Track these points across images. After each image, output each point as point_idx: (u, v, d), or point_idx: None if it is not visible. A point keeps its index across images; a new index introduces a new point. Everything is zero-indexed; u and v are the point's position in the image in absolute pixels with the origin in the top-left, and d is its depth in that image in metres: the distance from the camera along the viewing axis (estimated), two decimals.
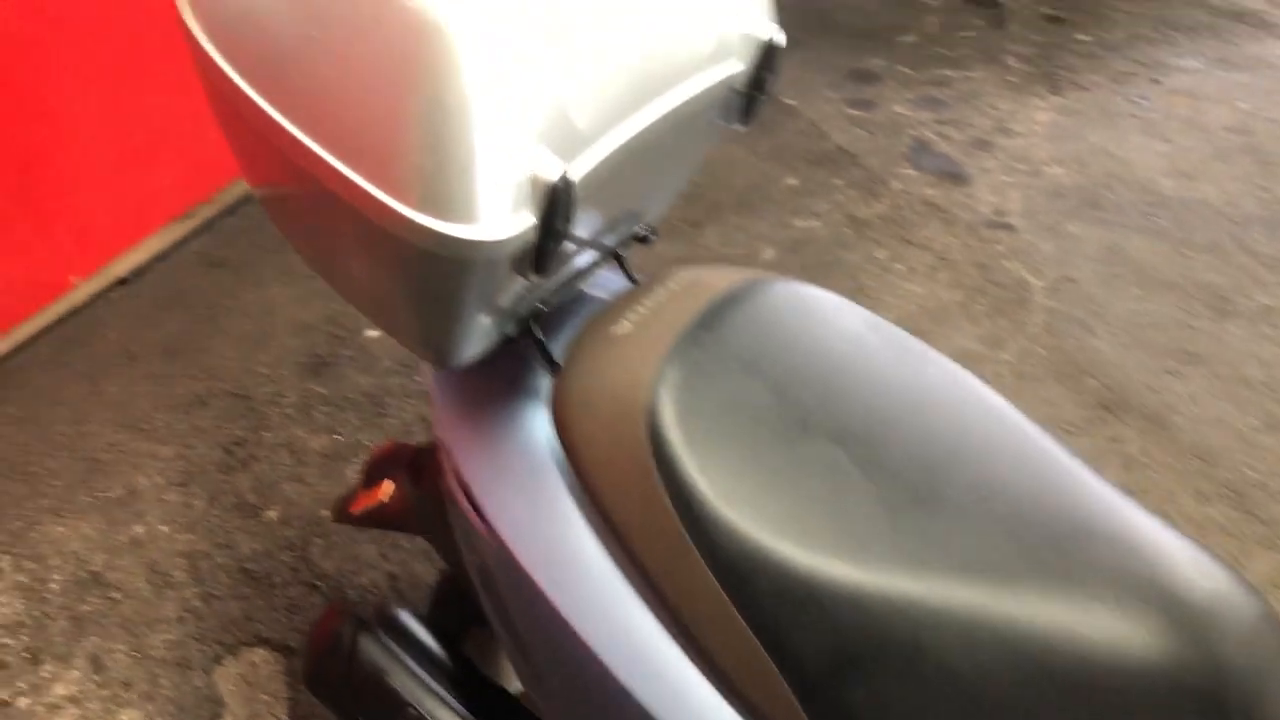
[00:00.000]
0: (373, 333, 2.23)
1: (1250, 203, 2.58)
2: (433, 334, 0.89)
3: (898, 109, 2.97)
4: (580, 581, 0.89)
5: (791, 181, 2.69)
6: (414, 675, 1.15)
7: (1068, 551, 0.76)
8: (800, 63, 3.14)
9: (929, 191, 2.66)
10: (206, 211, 2.53)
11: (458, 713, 1.13)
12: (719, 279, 0.97)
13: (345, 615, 1.18)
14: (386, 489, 1.24)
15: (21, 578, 1.78)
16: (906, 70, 3.15)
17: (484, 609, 1.05)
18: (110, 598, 1.76)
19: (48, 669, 1.66)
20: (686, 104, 0.89)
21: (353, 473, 1.97)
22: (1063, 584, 0.74)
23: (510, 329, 0.96)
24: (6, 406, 2.09)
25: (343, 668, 1.15)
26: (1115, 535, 0.77)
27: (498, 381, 1.00)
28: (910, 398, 0.88)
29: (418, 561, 1.82)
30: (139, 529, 1.86)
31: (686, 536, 0.81)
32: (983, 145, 2.82)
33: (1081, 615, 0.73)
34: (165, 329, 2.26)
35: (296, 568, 1.81)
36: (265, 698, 1.63)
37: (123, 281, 2.38)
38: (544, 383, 0.99)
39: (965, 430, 0.86)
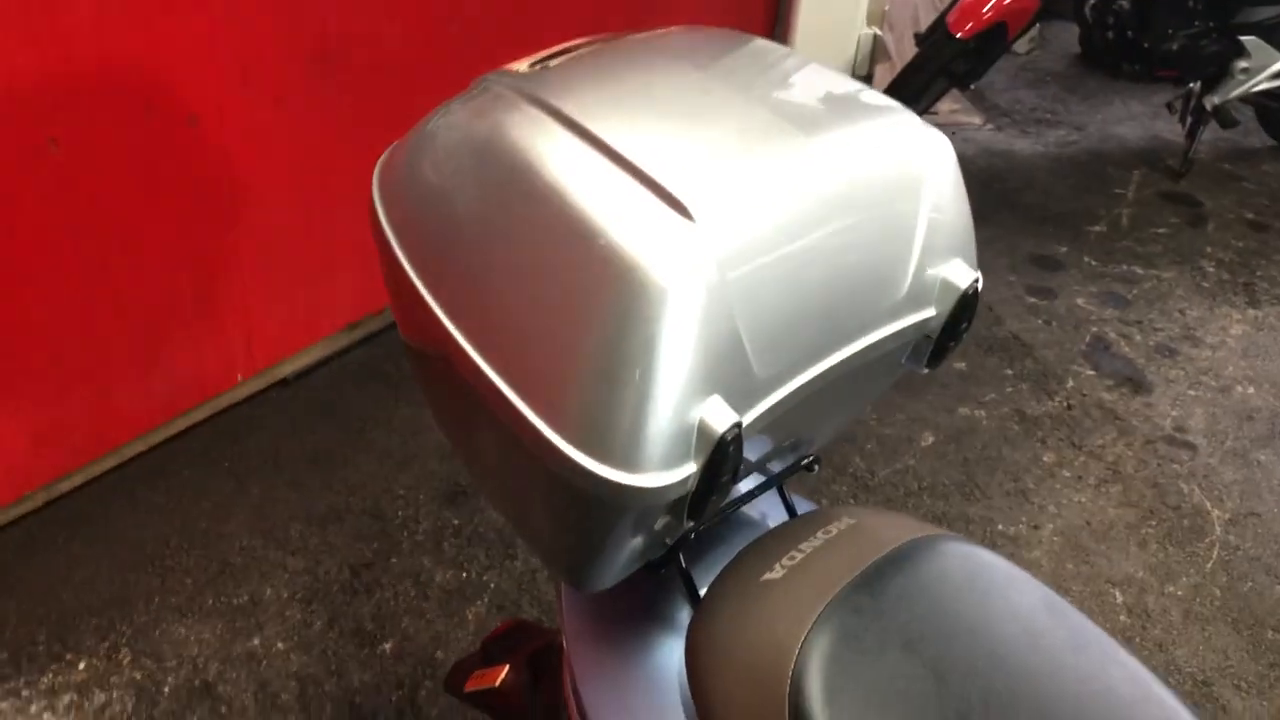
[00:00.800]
0: None
1: None
2: (572, 559, 0.84)
3: (1080, 302, 2.86)
4: None
5: (959, 365, 2.59)
6: None
7: None
8: (980, 241, 3.05)
9: (1106, 395, 2.52)
10: (374, 324, 2.59)
11: None
12: (885, 530, 0.90)
13: None
14: (502, 674, 1.19)
15: (138, 675, 1.79)
16: (1092, 262, 3.04)
17: None
18: (218, 711, 1.74)
19: None
20: (872, 349, 0.84)
21: (475, 613, 1.93)
22: None
23: (654, 556, 0.91)
24: (155, 494, 2.14)
25: None
26: None
27: (633, 604, 0.95)
28: (1085, 700, 0.79)
29: None
30: (256, 641, 1.85)
31: None
32: (1168, 352, 2.68)
33: None
34: (315, 437, 2.29)
35: (402, 710, 1.77)
36: None
37: (284, 383, 2.43)
38: (683, 613, 0.93)
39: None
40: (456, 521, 2.10)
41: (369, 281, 2.48)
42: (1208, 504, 2.23)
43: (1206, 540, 2.14)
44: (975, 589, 0.86)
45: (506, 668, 1.19)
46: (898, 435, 2.36)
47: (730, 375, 0.72)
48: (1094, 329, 2.76)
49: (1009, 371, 2.59)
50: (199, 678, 1.79)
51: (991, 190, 3.38)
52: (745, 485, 0.96)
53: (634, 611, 0.94)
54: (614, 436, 0.69)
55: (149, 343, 2.11)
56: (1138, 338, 2.73)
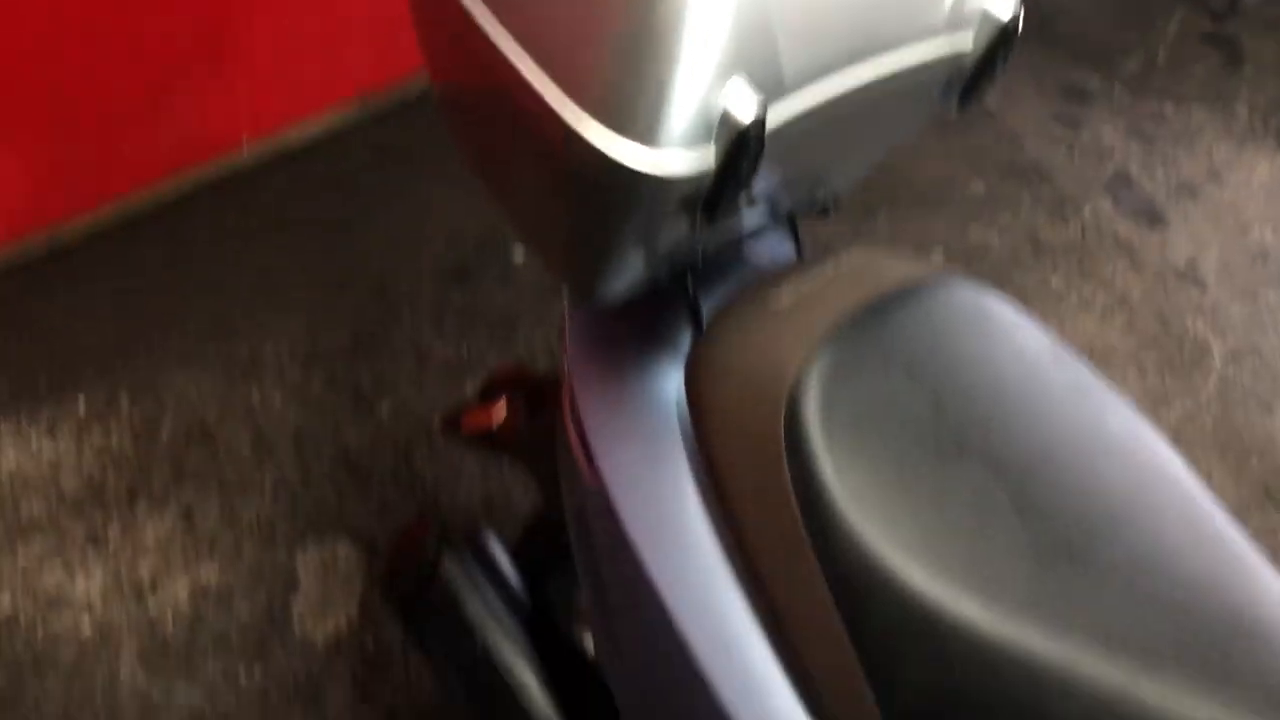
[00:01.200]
0: (519, 255, 2.20)
1: None
2: (580, 262, 0.83)
3: (1106, 135, 2.79)
4: (680, 554, 0.83)
5: (978, 188, 2.55)
6: (489, 607, 1.11)
7: (1231, 651, 0.66)
8: (1010, 67, 2.96)
9: (1122, 228, 2.49)
10: (386, 100, 2.52)
11: (525, 655, 1.09)
12: (897, 268, 0.88)
13: (433, 529, 1.15)
14: (499, 411, 1.19)
15: (137, 418, 1.81)
16: (1123, 97, 2.95)
17: (573, 557, 1.00)
18: (215, 456, 1.77)
19: (142, 510, 1.69)
20: (904, 72, 0.81)
21: (470, 388, 1.94)
22: (1217, 685, 0.65)
23: (661, 275, 0.89)
24: (159, 249, 2.12)
25: (420, 581, 1.12)
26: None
27: (637, 329, 0.94)
28: (1083, 442, 0.79)
29: (517, 490, 1.78)
30: (255, 395, 1.87)
31: (807, 538, 0.73)
32: (1189, 190, 2.63)
33: None
34: (322, 209, 2.26)
35: (397, 469, 1.79)
36: (340, 588, 1.62)
37: (291, 157, 2.39)
38: (686, 340, 0.92)
39: (1138, 490, 0.76)
40: (460, 300, 2.10)
41: (383, 54, 2.41)
42: (1210, 338, 2.22)
43: (1205, 372, 2.15)
44: (984, 328, 0.85)
45: (503, 406, 1.20)
46: (907, 252, 2.33)
47: (757, 58, 0.69)
48: (1117, 162, 2.70)
49: (1027, 197, 2.54)
50: (197, 423, 1.82)
51: (1030, 19, 3.27)
52: (757, 219, 0.94)
53: (637, 336, 0.94)
54: (635, 107, 0.66)
55: (153, 90, 2.06)
56: (1160, 174, 2.67)
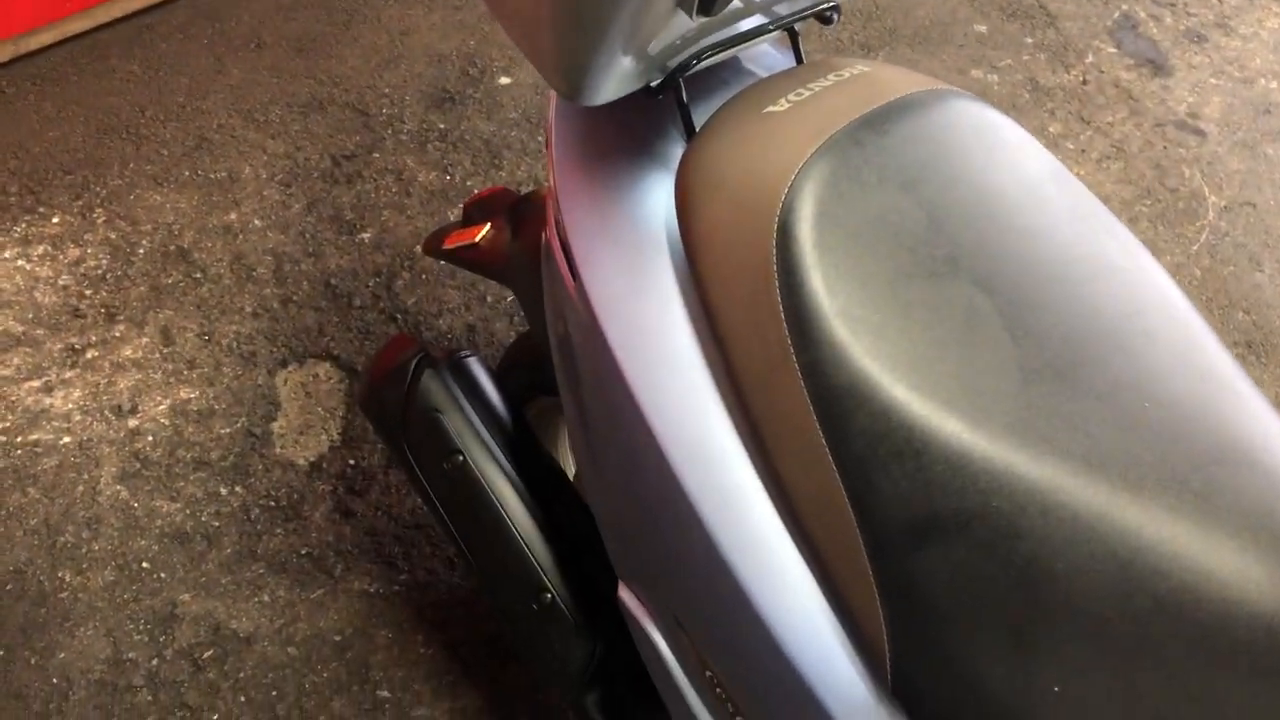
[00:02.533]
0: (505, 79, 2.13)
1: None
2: (574, 59, 0.79)
3: None
4: (663, 369, 0.81)
5: (980, 28, 2.47)
6: (469, 422, 1.10)
7: (1213, 474, 0.66)
8: None
9: (1124, 74, 2.42)
10: None
11: (504, 470, 1.08)
12: (899, 80, 0.85)
13: (414, 346, 1.13)
14: (482, 230, 1.16)
15: (113, 235, 1.77)
16: None
17: (555, 375, 0.98)
18: (193, 276, 1.74)
19: (120, 329, 1.67)
20: None
21: (455, 214, 1.90)
22: (1197, 508, 0.64)
23: (654, 78, 0.85)
24: (130, 64, 2.05)
25: (400, 395, 1.11)
26: (1274, 471, 0.67)
27: (626, 137, 0.90)
28: (1080, 265, 0.77)
29: (499, 319, 1.77)
30: (233, 216, 1.83)
31: (792, 350, 0.72)
32: (1196, 38, 2.56)
33: (1209, 546, 0.63)
34: (299, 24, 2.18)
35: (379, 295, 1.77)
36: (321, 411, 1.62)
37: None
38: (676, 147, 0.89)
39: (1131, 314, 0.75)
40: (443, 126, 2.04)
41: None
42: (1206, 189, 2.19)
43: (1198, 224, 2.12)
44: (984, 144, 0.82)
45: (488, 225, 1.17)
46: None
47: None
48: (1124, 6, 2.61)
49: (1029, 40, 2.47)
50: (174, 243, 1.78)
51: None
52: (755, 23, 0.89)
53: (625, 145, 0.90)
54: None
55: None
56: (1168, 20, 2.60)
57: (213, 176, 1.88)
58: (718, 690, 0.84)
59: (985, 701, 0.68)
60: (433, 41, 2.17)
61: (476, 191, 1.28)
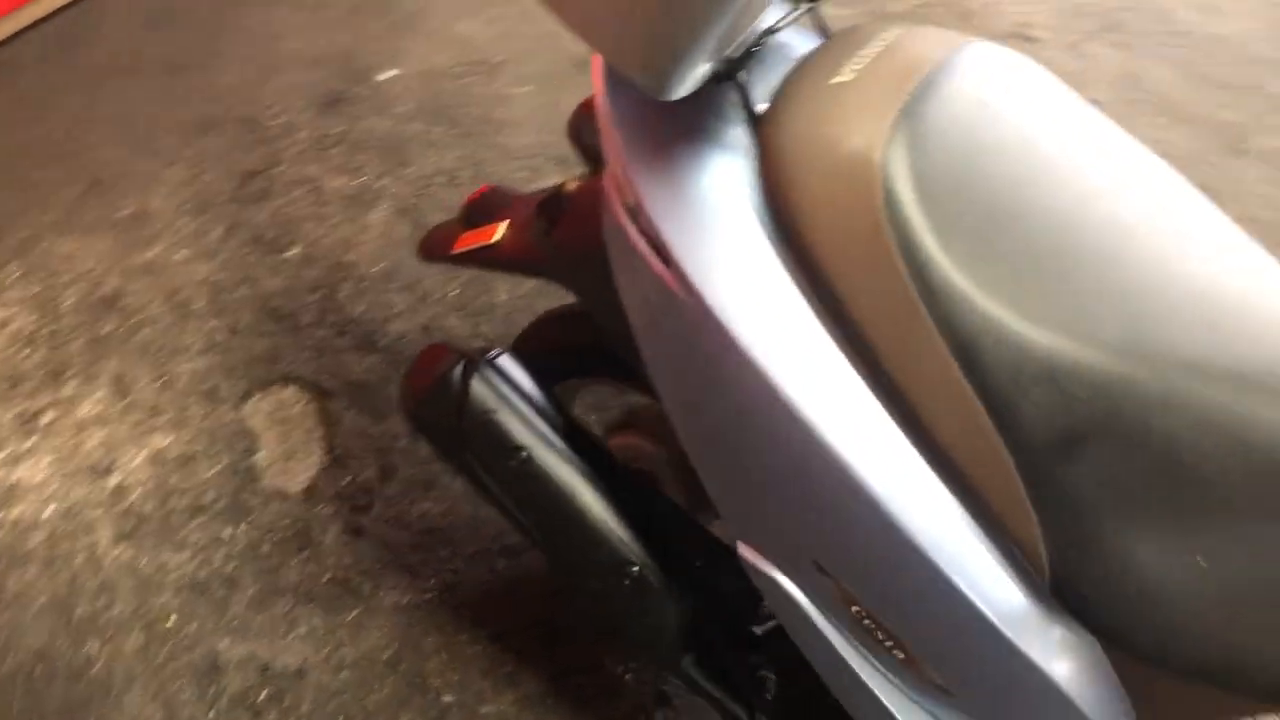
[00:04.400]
0: (388, 73, 2.11)
1: (1266, 45, 2.59)
2: (669, 56, 0.83)
3: None
4: (781, 336, 0.87)
5: None
6: (523, 418, 1.13)
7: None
8: None
9: None
10: None
11: (567, 458, 1.12)
12: (939, 40, 0.93)
13: (451, 353, 1.15)
14: (498, 229, 1.19)
15: (35, 289, 1.69)
16: None
17: (635, 357, 1.02)
18: (129, 321, 1.68)
19: (70, 387, 1.60)
20: None
21: (378, 216, 1.89)
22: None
23: (720, 62, 0.90)
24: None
25: (451, 405, 1.13)
26: None
27: (689, 123, 0.95)
28: (1131, 189, 0.87)
29: (449, 315, 1.78)
30: (152, 253, 1.77)
31: (920, 303, 0.79)
32: None
33: None
34: (164, 43, 2.09)
35: (324, 309, 1.75)
36: (299, 434, 1.61)
37: None
38: (739, 133, 0.94)
39: (1190, 224, 0.86)
40: (339, 129, 2.01)
41: None
42: None
43: None
44: (1025, 90, 0.91)
45: (503, 223, 1.20)
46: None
47: None
48: None
49: None
50: (100, 290, 1.71)
51: None
52: (783, 9, 0.95)
53: (690, 127, 0.95)
54: None
55: None
56: None
57: (119, 215, 1.81)
58: (866, 623, 0.92)
59: (1141, 582, 0.78)
60: (305, 44, 2.13)
61: (470, 194, 1.29)
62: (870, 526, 0.85)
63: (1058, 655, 0.84)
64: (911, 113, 0.84)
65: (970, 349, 0.80)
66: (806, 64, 0.92)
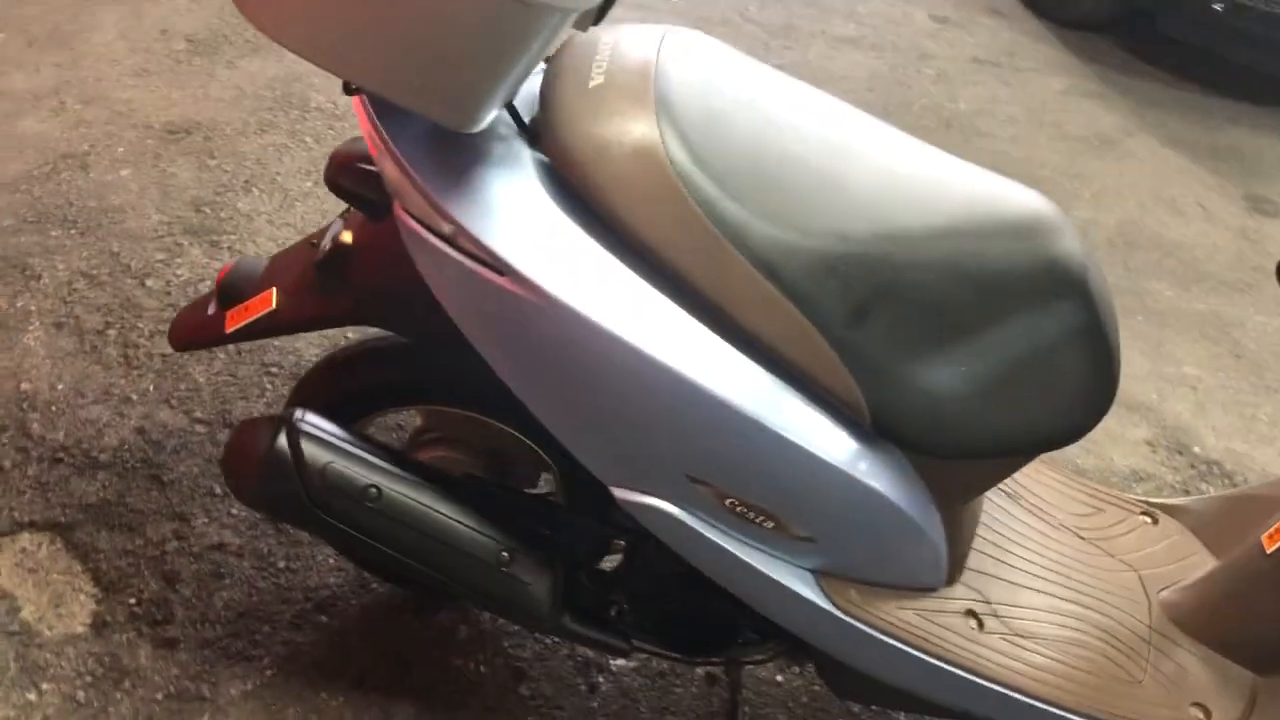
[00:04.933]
0: None
1: None
2: (477, 94, 0.95)
3: None
4: (613, 295, 1.02)
5: None
6: (359, 459, 1.20)
7: (972, 212, 1.07)
8: None
9: None
10: None
11: (410, 481, 1.20)
12: (649, 35, 1.12)
13: (268, 426, 1.18)
14: (272, 296, 1.24)
15: None
16: None
17: (467, 367, 1.12)
18: None
19: None
20: None
21: (34, 339, 1.79)
22: (978, 231, 1.05)
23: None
24: None
25: (290, 470, 1.17)
26: (985, 193, 1.10)
27: (480, 148, 1.07)
28: (833, 121, 1.13)
29: (160, 410, 1.74)
30: None
31: (722, 238, 1.00)
32: None
33: (989, 245, 1.05)
34: None
35: (24, 446, 1.65)
36: (58, 576, 1.52)
37: None
38: (518, 144, 1.08)
39: (881, 136, 1.14)
40: None
41: None
42: None
43: None
44: (719, 59, 1.14)
45: (274, 290, 1.23)
46: None
47: None
48: None
49: None
50: None
51: None
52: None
53: (479, 153, 1.06)
54: None
55: None
56: None
57: None
58: (740, 511, 1.11)
59: (930, 398, 1.05)
60: None
61: (218, 274, 1.30)
62: (724, 423, 1.06)
63: (881, 472, 1.09)
64: (662, 100, 1.04)
65: (767, 262, 1.02)
66: (556, 74, 1.07)
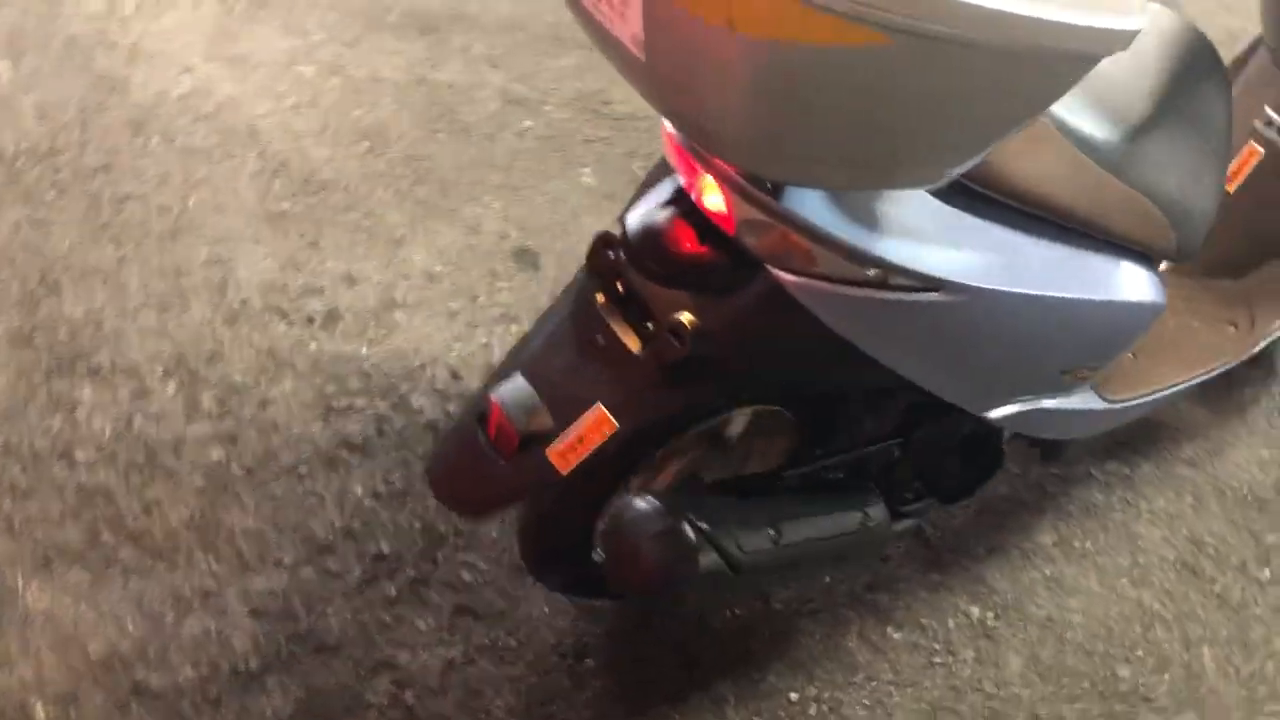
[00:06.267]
0: None
1: None
2: (963, 154, 0.96)
3: None
4: (1019, 261, 1.19)
5: None
6: (741, 512, 1.21)
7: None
8: None
9: None
10: None
11: (774, 505, 1.27)
12: None
13: (658, 521, 1.12)
14: (595, 415, 1.12)
15: None
16: None
17: (896, 366, 1.16)
18: None
19: None
20: None
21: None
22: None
23: None
24: None
25: (712, 555, 1.14)
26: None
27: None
28: None
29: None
30: None
31: (1085, 157, 1.21)
32: None
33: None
34: None
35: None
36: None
37: None
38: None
39: None
40: None
41: None
42: None
43: None
44: None
45: (595, 408, 1.12)
46: None
47: None
48: None
49: None
50: None
51: None
52: None
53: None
54: None
55: None
56: None
57: None
58: (1082, 376, 1.39)
59: (1207, 214, 1.40)
60: None
61: (487, 414, 1.16)
62: (1095, 315, 1.29)
63: (1162, 289, 1.37)
64: None
65: (1113, 164, 1.24)
66: None
